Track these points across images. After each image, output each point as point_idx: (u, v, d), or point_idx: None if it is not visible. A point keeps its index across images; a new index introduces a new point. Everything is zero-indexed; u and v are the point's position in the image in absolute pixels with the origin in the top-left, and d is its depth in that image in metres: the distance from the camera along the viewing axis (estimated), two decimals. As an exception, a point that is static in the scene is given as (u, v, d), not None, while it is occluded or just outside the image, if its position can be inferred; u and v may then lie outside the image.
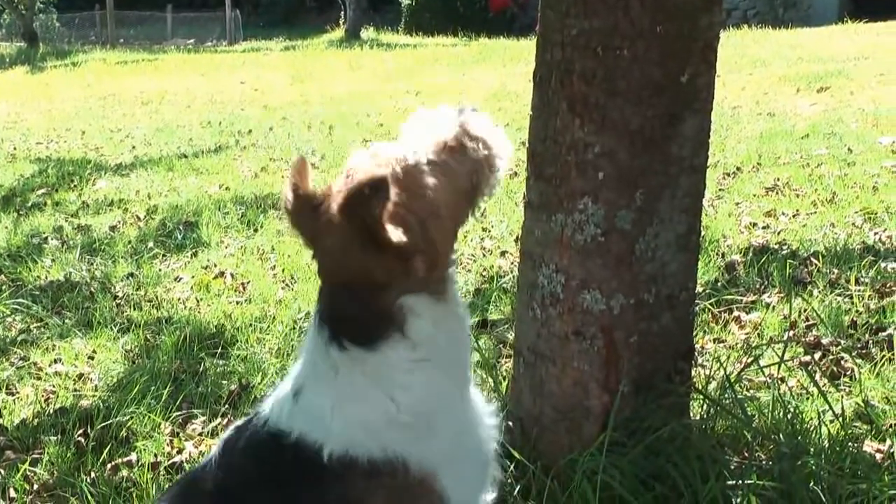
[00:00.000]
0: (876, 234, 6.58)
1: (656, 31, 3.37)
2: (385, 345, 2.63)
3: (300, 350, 2.76)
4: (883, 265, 5.92)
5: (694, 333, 3.95)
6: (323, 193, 2.64)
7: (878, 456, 3.79)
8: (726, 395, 3.99)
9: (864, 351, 4.84)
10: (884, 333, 4.98)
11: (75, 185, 9.68)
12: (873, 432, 4.03)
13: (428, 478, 2.66)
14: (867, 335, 5.00)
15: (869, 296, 5.47)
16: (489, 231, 7.17)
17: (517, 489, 3.43)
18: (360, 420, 2.62)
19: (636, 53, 3.38)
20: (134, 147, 12.09)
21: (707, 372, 4.30)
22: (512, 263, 5.91)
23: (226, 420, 4.39)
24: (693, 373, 3.90)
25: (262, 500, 2.68)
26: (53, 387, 4.92)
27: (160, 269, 6.70)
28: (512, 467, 3.50)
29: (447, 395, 2.74)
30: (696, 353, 4.08)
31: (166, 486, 3.88)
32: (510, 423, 3.70)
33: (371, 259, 2.57)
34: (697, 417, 3.82)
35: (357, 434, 2.60)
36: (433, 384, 2.69)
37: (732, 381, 4.11)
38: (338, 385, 2.64)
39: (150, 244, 7.29)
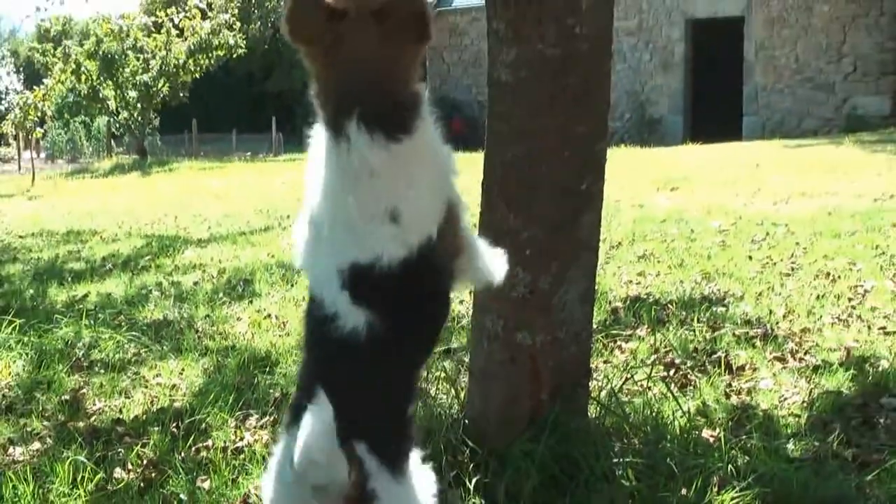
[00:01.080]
0: (710, 288, 6.60)
1: (565, 154, 3.39)
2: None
3: None
4: (714, 309, 5.94)
5: (591, 358, 3.95)
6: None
7: (711, 439, 3.83)
8: (612, 400, 3.99)
9: (702, 368, 4.85)
10: (715, 356, 4.99)
11: (170, 254, 9.63)
12: (708, 423, 4.04)
13: None
14: (704, 357, 5.01)
15: (705, 330, 5.48)
16: (451, 286, 7.15)
17: (471, 467, 3.41)
18: None
19: (551, 169, 3.40)
20: (210, 227, 12.04)
21: (600, 384, 4.29)
22: (467, 308, 5.89)
23: (272, 418, 4.37)
24: (590, 385, 3.89)
25: None
26: (156, 393, 4.87)
27: (227, 312, 6.66)
28: (467, 452, 3.48)
29: None
30: (592, 372, 4.06)
31: (233, 462, 3.86)
32: (466, 422, 3.68)
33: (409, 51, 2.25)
34: (593, 416, 3.80)
35: None
36: None
37: (616, 390, 4.11)
38: None
39: (221, 294, 7.25)
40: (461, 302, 6.43)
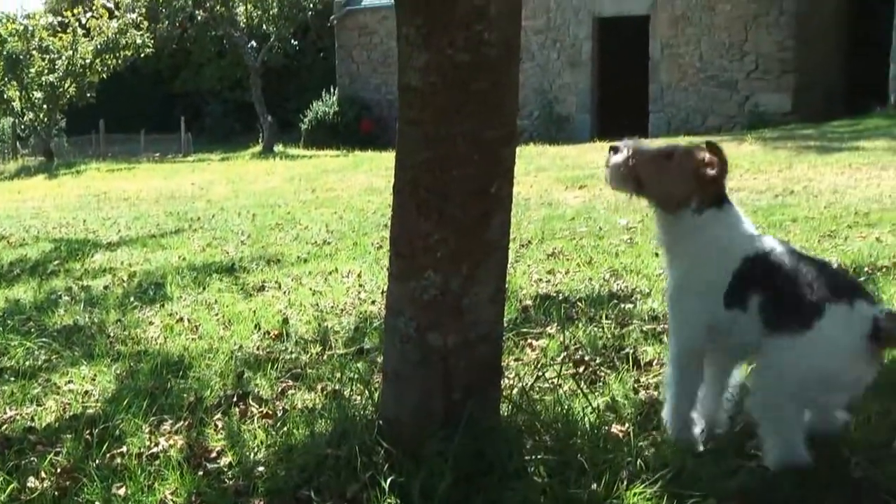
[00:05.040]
0: (618, 285, 6.69)
1: (474, 158, 3.43)
2: None
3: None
4: (622, 306, 6.01)
5: (502, 357, 4.00)
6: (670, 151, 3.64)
7: (621, 434, 3.88)
8: (523, 399, 4.04)
9: (611, 364, 4.92)
10: (623, 352, 5.06)
11: (80, 258, 9.49)
12: (617, 419, 4.11)
13: None
14: (613, 353, 5.08)
15: (614, 327, 5.56)
16: (364, 287, 7.17)
17: (386, 467, 3.44)
18: None
19: (462, 173, 3.44)
20: (119, 230, 11.88)
21: (511, 383, 4.35)
22: (379, 309, 5.92)
23: (186, 423, 4.35)
24: (502, 384, 3.95)
25: None
26: (68, 400, 4.83)
27: (139, 316, 6.60)
28: (382, 453, 3.51)
29: None
30: (503, 371, 4.12)
31: (148, 468, 3.83)
32: (380, 423, 3.71)
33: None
34: (505, 414, 3.86)
35: None
36: None
37: (527, 388, 4.17)
38: None
39: (132, 298, 7.19)
40: (373, 303, 6.46)
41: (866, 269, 6.55)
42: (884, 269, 6.54)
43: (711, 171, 3.52)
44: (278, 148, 31.35)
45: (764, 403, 3.52)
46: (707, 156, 3.54)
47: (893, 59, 22.88)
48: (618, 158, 3.66)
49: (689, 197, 3.56)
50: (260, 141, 32.88)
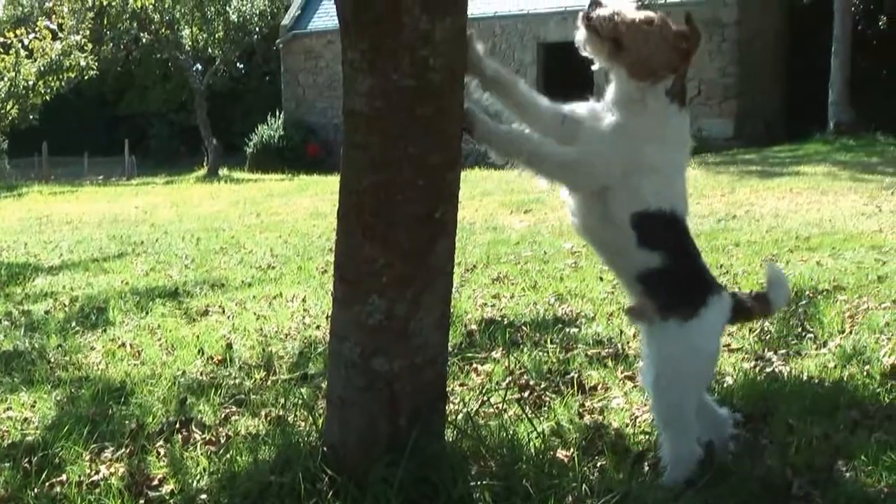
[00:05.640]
0: (563, 309, 6.72)
1: (419, 183, 3.43)
2: None
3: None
4: (567, 330, 6.04)
5: (447, 382, 3.98)
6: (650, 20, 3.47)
7: (566, 459, 3.87)
8: (468, 424, 4.03)
9: (556, 388, 4.93)
10: (568, 376, 5.07)
11: (20, 282, 9.37)
12: (563, 443, 4.11)
13: None
14: (558, 378, 5.09)
15: (559, 351, 5.57)
16: (308, 311, 7.13)
17: (330, 495, 3.41)
18: None
19: (406, 198, 3.43)
20: (61, 254, 11.74)
21: (456, 407, 4.33)
22: (324, 334, 5.89)
23: (128, 450, 4.29)
24: (447, 409, 3.93)
25: None
26: (6, 427, 4.74)
27: (80, 342, 6.52)
28: (327, 480, 3.47)
29: None
30: (448, 396, 4.10)
31: (88, 497, 3.77)
32: (325, 449, 3.67)
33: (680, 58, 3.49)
34: (450, 440, 3.84)
35: None
36: None
37: (472, 414, 4.16)
38: None
39: (73, 323, 7.09)
40: (318, 328, 6.43)
41: (807, 292, 6.62)
42: (824, 293, 6.62)
43: (685, 45, 3.51)
44: (223, 171, 31.17)
45: (669, 403, 3.66)
46: (683, 28, 3.52)
47: (832, 85, 23.28)
48: (602, 12, 3.53)
49: (664, 67, 3.50)
50: (205, 164, 32.66)
